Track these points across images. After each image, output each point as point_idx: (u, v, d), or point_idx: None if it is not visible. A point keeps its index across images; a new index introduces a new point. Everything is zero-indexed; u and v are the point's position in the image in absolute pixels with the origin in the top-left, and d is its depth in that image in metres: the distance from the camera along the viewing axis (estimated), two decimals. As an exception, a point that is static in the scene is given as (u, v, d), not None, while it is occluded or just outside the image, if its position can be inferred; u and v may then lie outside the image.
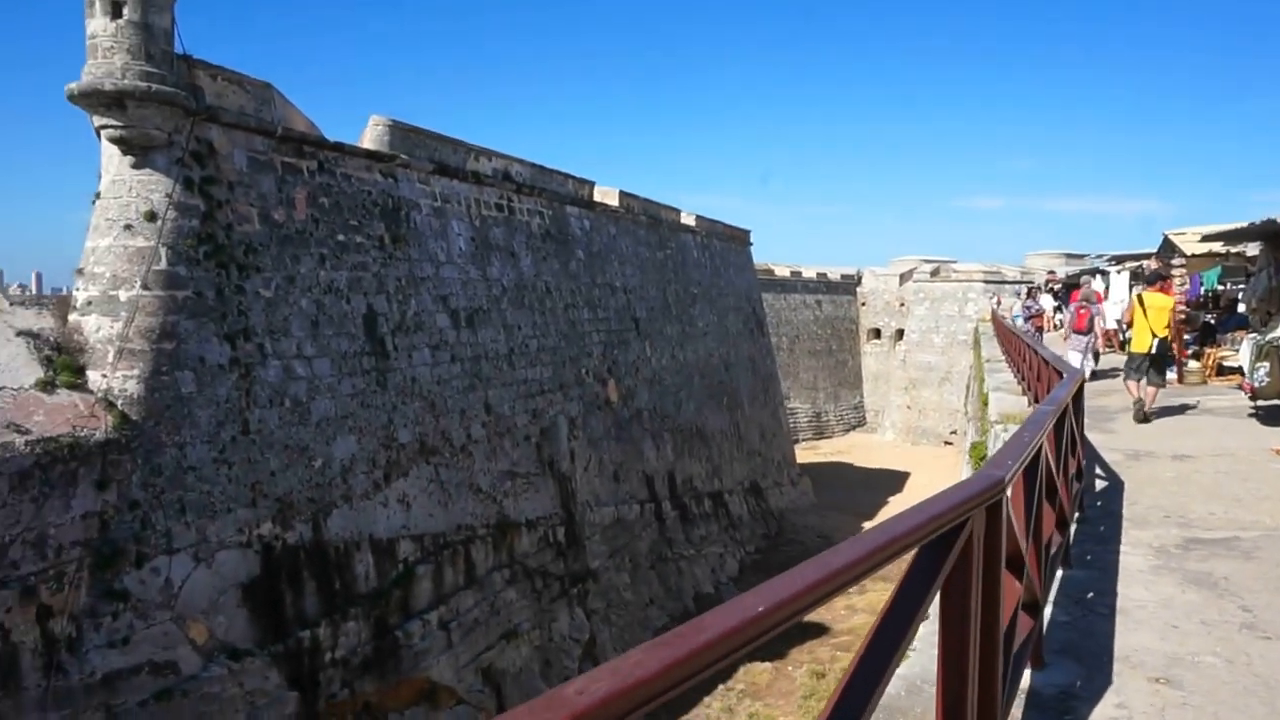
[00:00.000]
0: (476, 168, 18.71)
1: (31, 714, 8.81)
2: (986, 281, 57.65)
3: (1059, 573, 5.90)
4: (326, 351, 13.43)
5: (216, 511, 11.05)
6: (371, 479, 13.83)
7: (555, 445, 19.65)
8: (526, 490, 18.22)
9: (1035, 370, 11.18)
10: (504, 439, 17.77)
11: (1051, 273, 40.36)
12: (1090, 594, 5.68)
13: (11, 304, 10.62)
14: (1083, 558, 6.47)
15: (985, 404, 13.27)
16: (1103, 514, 7.75)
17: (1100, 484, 8.80)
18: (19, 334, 10.24)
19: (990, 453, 9.76)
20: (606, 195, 25.79)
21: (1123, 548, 6.73)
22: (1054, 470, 5.34)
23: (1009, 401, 12.19)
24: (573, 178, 23.28)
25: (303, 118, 15.80)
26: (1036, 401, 10.51)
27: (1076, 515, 7.35)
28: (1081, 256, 59.10)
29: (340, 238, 14.25)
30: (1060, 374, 7.68)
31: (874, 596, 25.56)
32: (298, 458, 12.48)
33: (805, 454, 52.69)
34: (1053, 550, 5.37)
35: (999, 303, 39.55)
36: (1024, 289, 22.17)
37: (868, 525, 35.79)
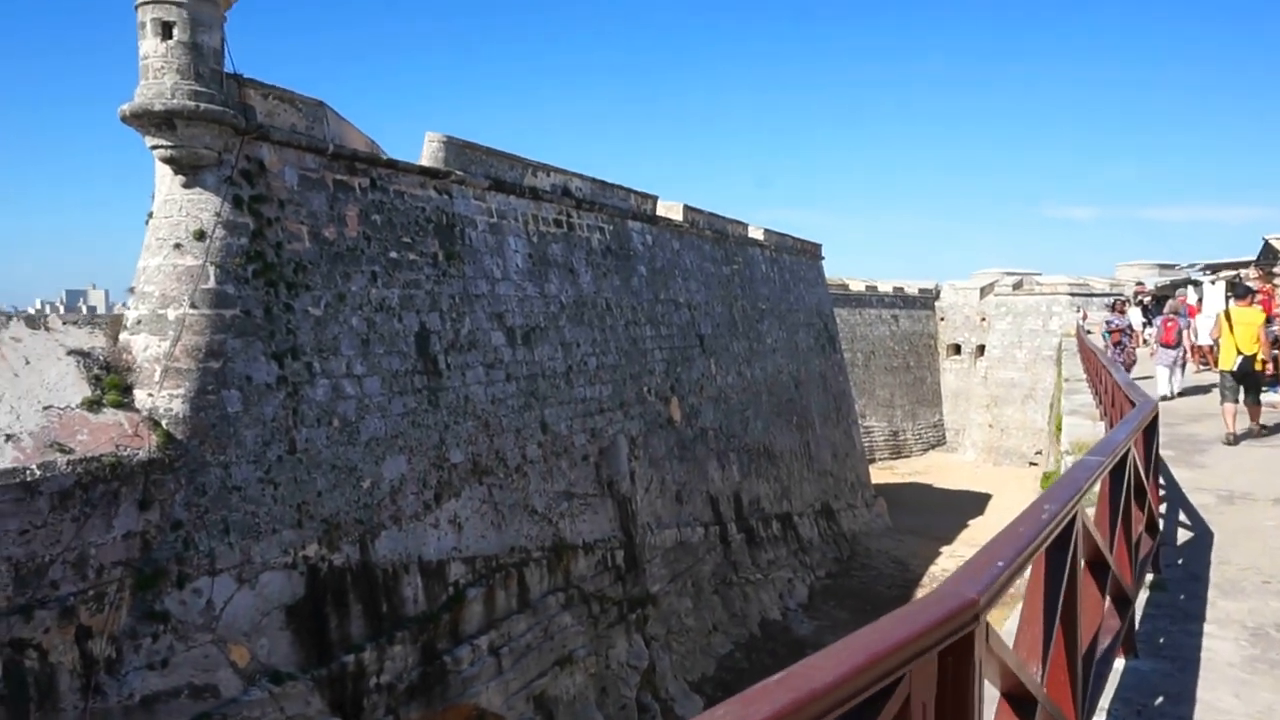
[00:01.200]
0: (534, 183, 18.51)
1: (68, 737, 8.72)
2: (1073, 294, 55.36)
3: (1118, 663, 4.75)
4: (377, 370, 13.28)
5: (261, 532, 10.92)
6: (421, 500, 13.61)
7: (615, 465, 19.22)
8: (584, 511, 17.82)
9: (1110, 394, 10.23)
10: (561, 459, 17.42)
11: (1140, 284, 38.31)
12: (1158, 699, 4.46)
13: (64, 323, 10.71)
14: (1154, 641, 5.25)
15: (1059, 429, 12.29)
16: (1184, 577, 6.48)
17: (1183, 535, 7.57)
18: (70, 353, 10.29)
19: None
20: (670, 210, 25.39)
21: (1207, 627, 5.47)
22: (1103, 540, 4.24)
23: (1084, 429, 11.16)
24: (635, 192, 22.95)
25: (361, 136, 15.82)
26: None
27: (1150, 579, 6.19)
28: (1174, 267, 56.33)
29: (393, 255, 14.14)
30: (1133, 402, 6.89)
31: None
32: (346, 478, 12.32)
33: (881, 474, 51.20)
34: (1104, 645, 4.29)
35: (1085, 317, 37.75)
36: (1111, 302, 20.58)
37: (946, 550, 34.46)
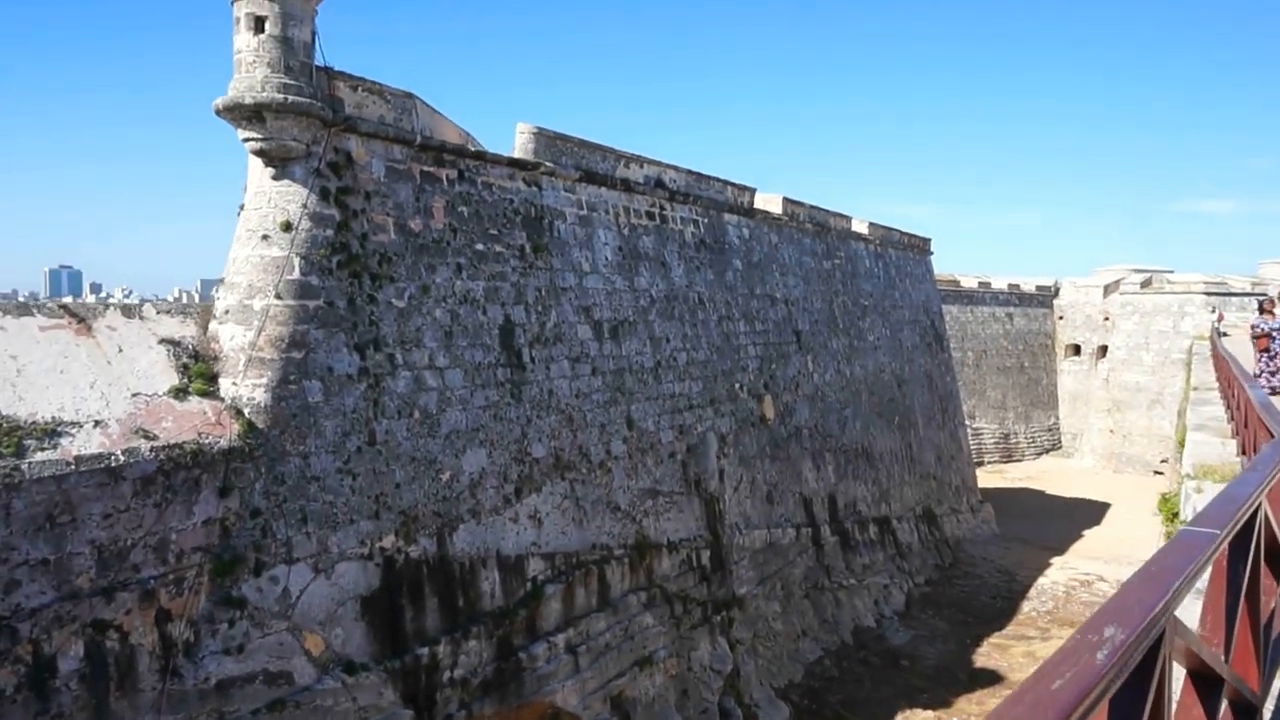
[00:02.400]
0: (626, 175, 18.22)
1: (146, 716, 8.92)
2: (1209, 294, 51.73)
3: None
4: (459, 363, 13.25)
5: (339, 522, 10.99)
6: (501, 494, 13.53)
7: (703, 463, 18.81)
8: (669, 510, 17.49)
9: (1243, 412, 9.03)
10: (646, 456, 17.13)
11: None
12: None
13: (158, 312, 11.02)
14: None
15: (1182, 444, 11.08)
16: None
17: None
18: (161, 341, 10.56)
19: (1183, 512, 7.94)
20: (769, 202, 24.73)
21: None
22: (1212, 652, 3.42)
23: (1211, 449, 9.84)
24: (732, 184, 22.41)
25: (455, 128, 15.84)
26: (1244, 453, 8.44)
27: None
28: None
29: (479, 247, 14.08)
30: (1273, 432, 5.82)
31: (1058, 644, 22.96)
32: (425, 470, 12.32)
33: (990, 478, 49.10)
34: None
35: (1221, 318, 35.06)
36: (1259, 302, 18.19)
37: (1057, 561, 32.68)
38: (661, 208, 19.40)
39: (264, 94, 11.05)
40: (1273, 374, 16.73)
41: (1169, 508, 10.05)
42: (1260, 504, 3.75)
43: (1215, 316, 38.48)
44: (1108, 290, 57.10)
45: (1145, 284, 54.75)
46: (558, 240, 15.92)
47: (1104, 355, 56.08)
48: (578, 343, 15.82)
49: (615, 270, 17.33)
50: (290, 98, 11.15)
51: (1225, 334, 33.14)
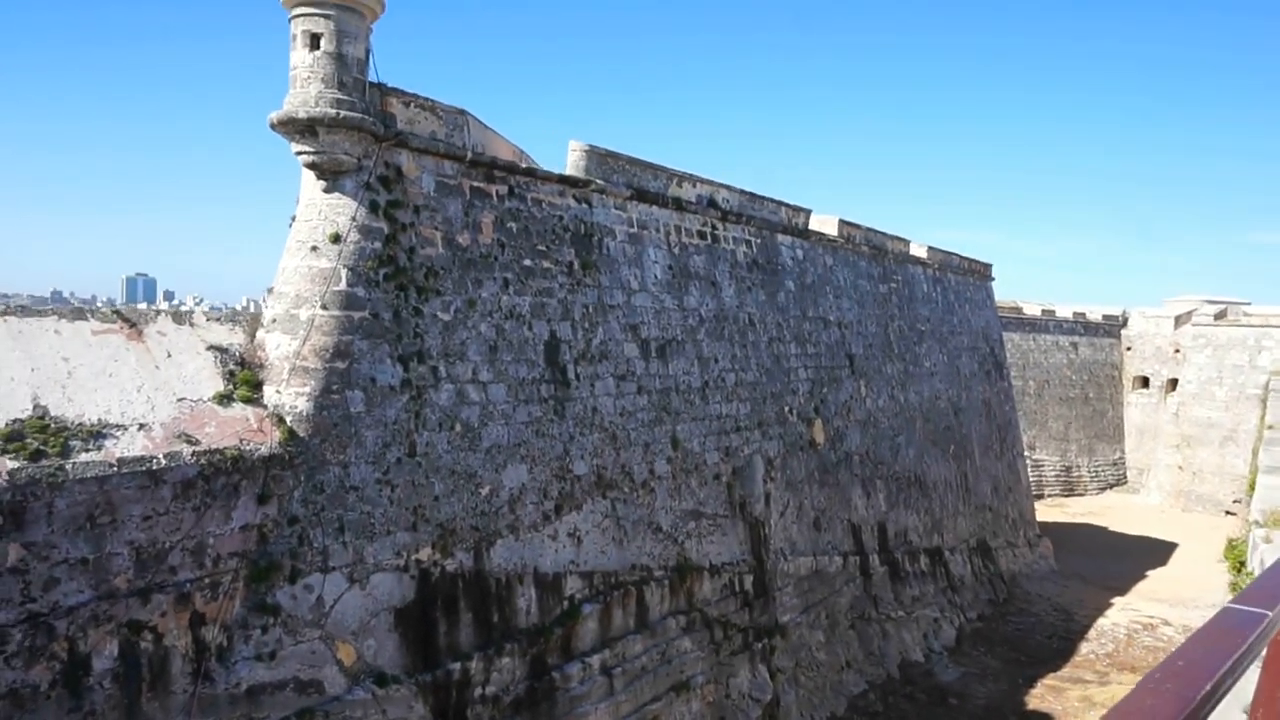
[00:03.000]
0: (679, 194, 18.14)
1: (177, 718, 8.99)
2: (1288, 328, 49.61)
3: None
4: (503, 377, 13.24)
5: (375, 533, 11.02)
6: (541, 510, 13.45)
7: (749, 486, 18.52)
8: (713, 533, 17.24)
9: None
10: (690, 477, 16.92)
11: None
12: None
13: (208, 319, 11.22)
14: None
15: (1252, 490, 10.43)
16: None
17: None
18: (209, 348, 10.74)
19: (1250, 562, 7.39)
20: (824, 224, 24.42)
21: None
22: None
23: (1276, 493, 9.23)
24: (786, 205, 22.19)
25: (508, 145, 15.95)
26: None
27: None
28: None
29: (526, 263, 14.10)
30: None
31: (1117, 690, 22.05)
32: (464, 484, 12.31)
33: (1049, 512, 47.64)
34: None
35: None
36: None
37: (1119, 601, 31.46)
38: (714, 227, 19.26)
39: (317, 109, 11.22)
40: None
41: (1236, 555, 9.45)
42: None
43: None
44: (1179, 321, 55.20)
45: (1219, 316, 52.80)
46: (607, 258, 15.88)
47: (1174, 389, 54.15)
48: (624, 361, 15.73)
49: (664, 289, 17.22)
50: (342, 113, 11.31)
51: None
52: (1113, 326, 58.27)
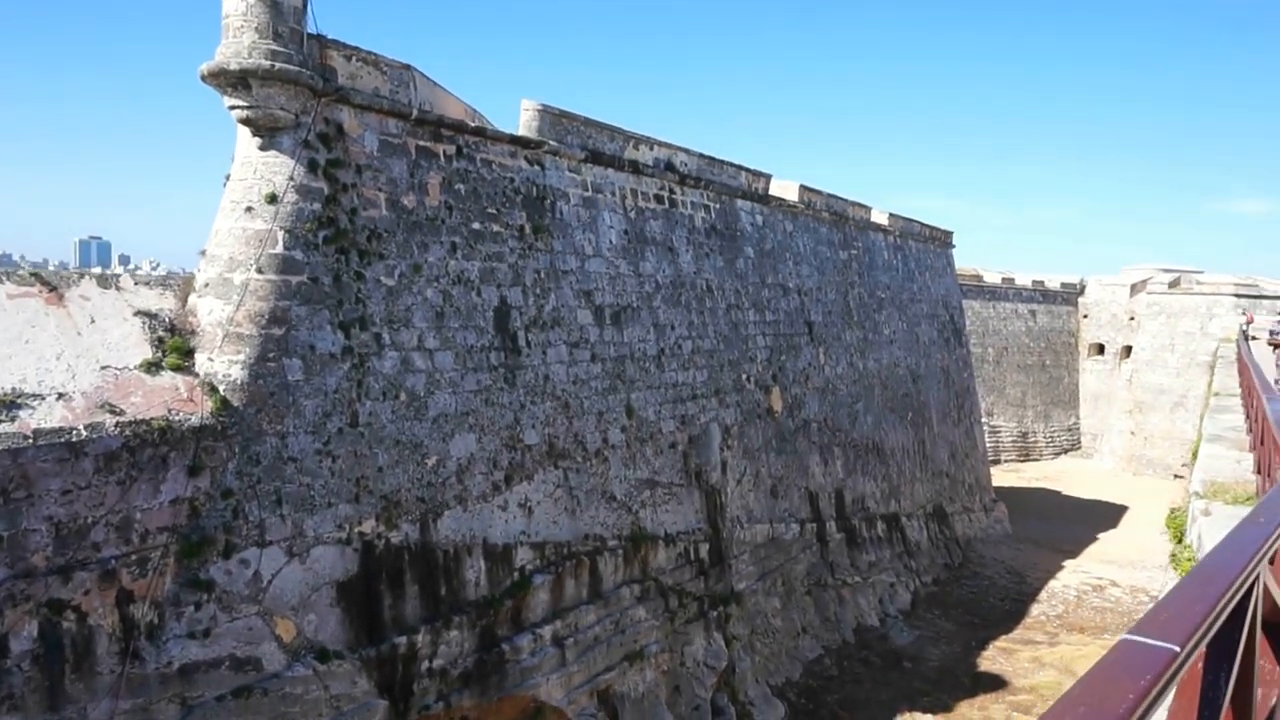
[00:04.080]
0: (635, 156, 17.73)
1: (103, 700, 8.64)
2: (1239, 295, 50.58)
3: None
4: (451, 345, 12.86)
5: (316, 505, 10.66)
6: (490, 480, 13.16)
7: (705, 455, 18.37)
8: (668, 501, 17.08)
9: (1260, 427, 8.16)
10: (645, 445, 16.71)
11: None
12: None
13: (137, 284, 10.69)
14: None
15: (1194, 457, 10.34)
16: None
17: None
18: (136, 314, 10.24)
19: (1189, 535, 7.23)
20: (785, 189, 24.14)
21: None
22: None
23: (1224, 464, 8.97)
24: (746, 170, 21.85)
25: (460, 104, 15.40)
26: (1259, 472, 7.61)
27: None
28: (1363, 271, 50.75)
29: (475, 226, 13.66)
30: None
31: (1066, 650, 22.45)
32: (410, 454, 11.97)
33: (1006, 476, 48.41)
34: None
35: (1250, 321, 34.05)
36: None
37: (1070, 564, 32.01)
38: (671, 191, 18.90)
39: (250, 60, 10.65)
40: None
41: (1176, 525, 9.35)
42: (1256, 574, 2.70)
43: (1244, 319, 37.46)
44: (1134, 289, 56.00)
45: (1173, 284, 53.63)
46: (560, 222, 15.47)
47: (1128, 355, 55.06)
48: (577, 327, 15.40)
49: (620, 254, 16.87)
50: (278, 65, 10.75)
51: (1254, 337, 32.17)
52: (1071, 294, 58.97)
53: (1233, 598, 2.35)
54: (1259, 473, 7.65)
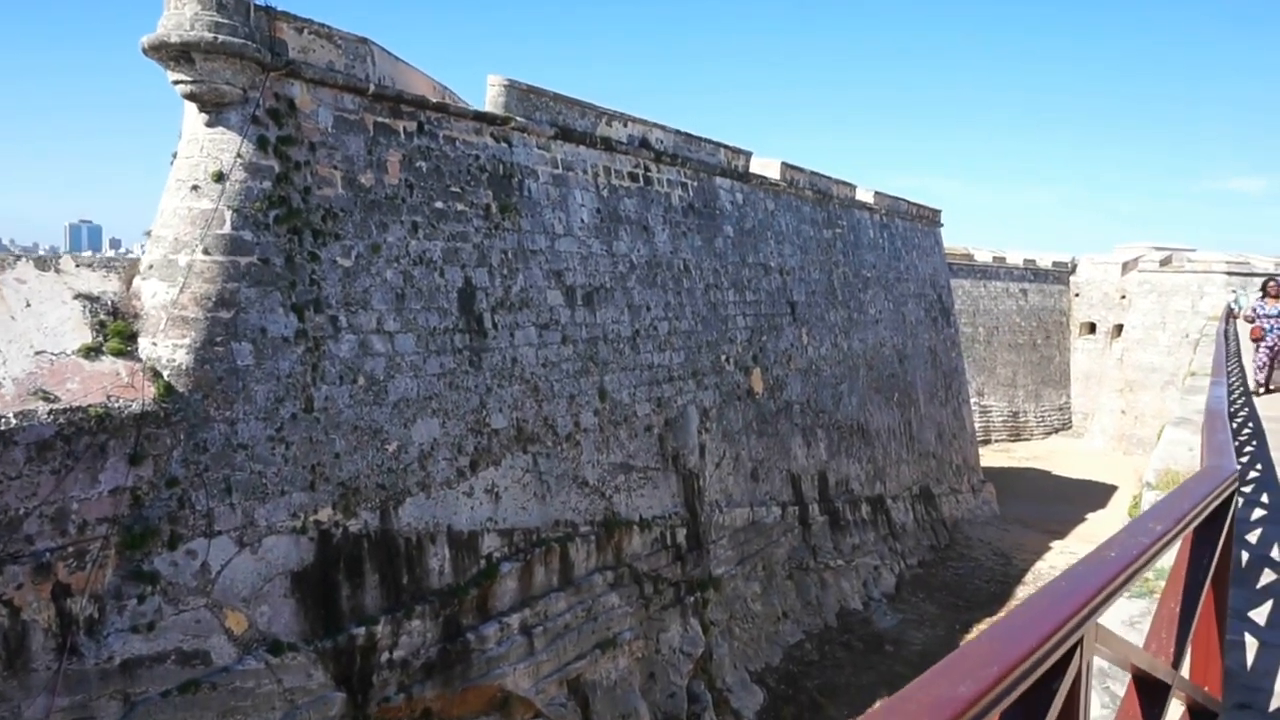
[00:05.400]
0: (608, 133, 17.32)
1: (39, 697, 8.35)
2: (1230, 273, 50.32)
3: None
4: (412, 327, 12.51)
5: (268, 494, 10.34)
6: (455, 466, 12.85)
7: (682, 438, 18.08)
8: (643, 486, 16.80)
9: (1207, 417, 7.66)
10: (620, 429, 16.41)
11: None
12: None
13: (78, 266, 10.32)
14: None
15: (1159, 439, 10.00)
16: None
17: None
18: (77, 297, 9.88)
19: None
20: (766, 167, 23.75)
21: None
22: None
23: (1183, 450, 8.60)
24: (725, 146, 21.44)
25: (426, 80, 15.00)
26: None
27: None
28: (1354, 248, 50.49)
29: (438, 205, 13.28)
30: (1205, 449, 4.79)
31: (1051, 632, 22.26)
32: (369, 440, 11.64)
33: (996, 457, 48.29)
34: None
35: (1237, 300, 33.82)
36: (1263, 282, 16.22)
37: (1057, 545, 31.94)
38: (646, 169, 18.50)
39: (192, 33, 10.23)
40: (1259, 368, 15.15)
41: (1136, 513, 9.00)
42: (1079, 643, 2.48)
43: (1232, 297, 37.20)
44: (1126, 268, 55.71)
45: (1165, 262, 53.35)
46: (528, 200, 15.09)
47: (1119, 334, 54.86)
48: (547, 309, 15.05)
49: (592, 233, 16.50)
50: (222, 37, 10.33)
51: (1245, 317, 31.86)
52: (1062, 273, 58.67)
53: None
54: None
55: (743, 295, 21.35)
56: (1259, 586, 5.16)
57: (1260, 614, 5.00)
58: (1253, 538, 5.95)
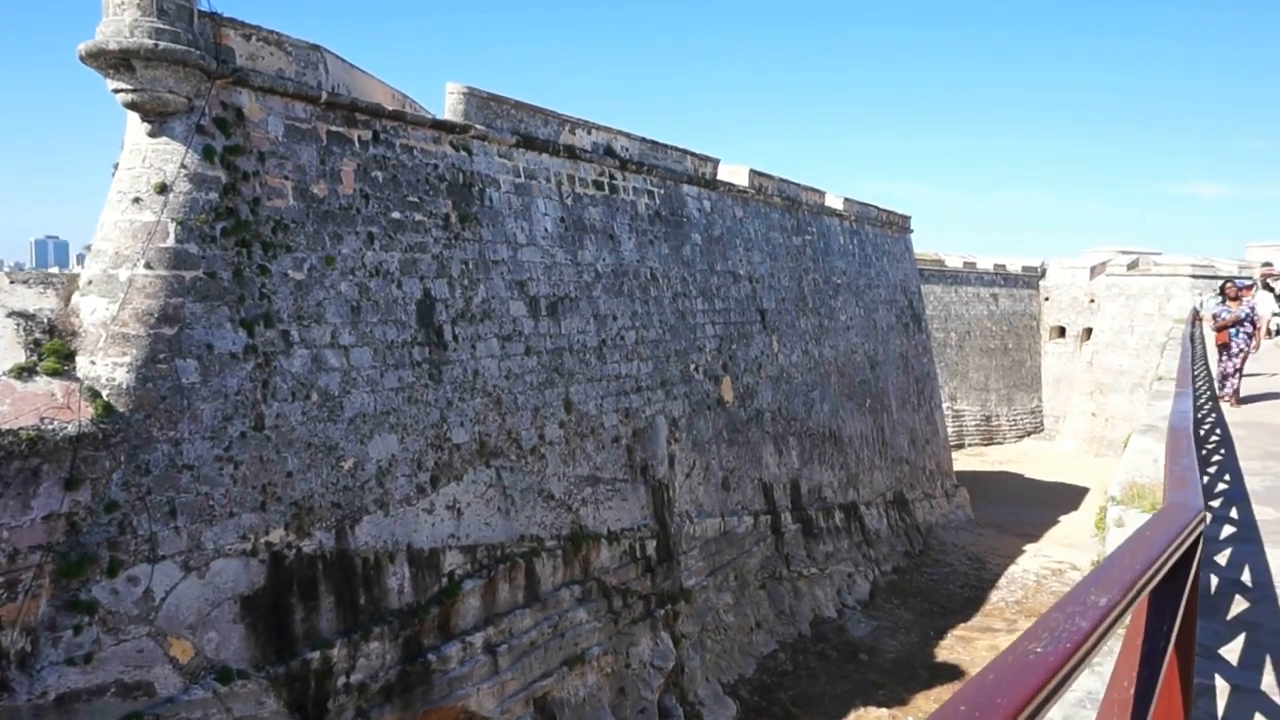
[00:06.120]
0: (572, 141, 17.08)
1: (-32, 736, 7.95)
2: (1195, 276, 50.87)
3: None
4: (369, 340, 12.19)
5: (216, 516, 9.98)
6: (415, 483, 12.52)
7: (651, 448, 17.83)
8: (611, 498, 16.53)
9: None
10: (586, 440, 16.13)
11: (1268, 265, 34.39)
12: None
13: (13, 282, 9.92)
14: None
15: (1125, 446, 9.86)
16: None
17: None
18: (10, 315, 9.48)
19: (1105, 545, 6.63)
20: (734, 174, 23.61)
21: None
22: None
23: (1149, 460, 8.42)
24: (692, 154, 21.27)
25: (385, 88, 14.69)
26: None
27: None
28: (1316, 249, 51.24)
29: (395, 215, 12.98)
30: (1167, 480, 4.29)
31: (1024, 638, 22.20)
32: (323, 458, 11.30)
33: (970, 461, 48.47)
34: None
35: (1203, 303, 34.11)
36: (1220, 285, 15.94)
37: (1030, 548, 31.95)
38: (612, 177, 18.27)
39: (132, 39, 9.89)
40: (1224, 376, 14.83)
41: (1102, 529, 8.82)
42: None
43: (1199, 300, 37.56)
44: (1094, 272, 56.23)
45: (1132, 266, 53.90)
46: (489, 209, 14.81)
47: (1088, 338, 55.32)
48: (509, 320, 14.77)
49: (556, 243, 16.24)
50: (163, 44, 10.00)
51: (1211, 318, 32.08)
52: (1032, 277, 59.12)
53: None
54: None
55: (711, 303, 21.16)
56: (1230, 617, 4.76)
57: (1232, 650, 4.53)
58: (1222, 559, 5.65)
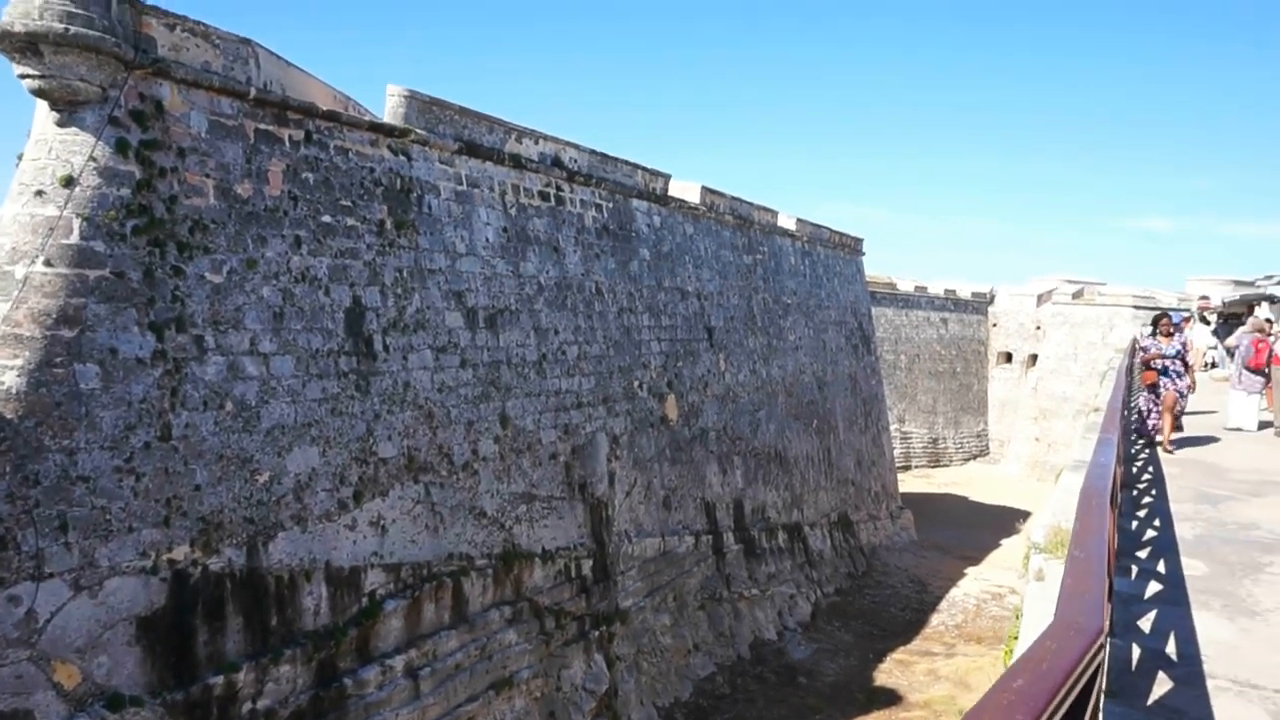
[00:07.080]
0: (518, 150, 16.71)
1: None
2: (1137, 307, 51.98)
3: None
4: (291, 349, 11.66)
5: (112, 531, 9.37)
6: (336, 498, 11.99)
7: (590, 466, 17.45)
8: (547, 516, 16.10)
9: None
10: (522, 457, 15.70)
11: (1204, 299, 35.13)
12: None
13: (-100, 275, 9.25)
14: None
15: (1056, 481, 9.70)
16: None
17: None
18: (-107, 310, 8.82)
19: (1026, 598, 6.19)
20: (685, 190, 23.42)
21: None
22: None
23: (1075, 501, 8.14)
24: (643, 168, 21.03)
25: (325, 89, 14.17)
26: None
27: None
28: (1251, 282, 52.60)
29: (325, 219, 12.48)
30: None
31: (962, 662, 22.19)
32: (236, 470, 10.73)
33: (916, 482, 48.79)
34: None
35: (1142, 333, 34.78)
36: (1154, 316, 15.34)
37: (971, 571, 32.03)
38: (558, 188, 17.93)
39: (40, 22, 9.33)
40: (1145, 416, 14.30)
41: (1029, 563, 8.63)
42: None
43: (1140, 332, 38.26)
44: (1041, 300, 57.20)
45: (1077, 295, 54.92)
46: (427, 217, 14.37)
47: (1034, 364, 56.19)
48: (445, 331, 14.32)
49: (497, 253, 15.83)
50: (74, 29, 9.45)
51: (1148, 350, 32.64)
52: (981, 303, 59.96)
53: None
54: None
55: (658, 320, 20.89)
56: (1151, 702, 4.18)
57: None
58: (1146, 623, 5.27)
